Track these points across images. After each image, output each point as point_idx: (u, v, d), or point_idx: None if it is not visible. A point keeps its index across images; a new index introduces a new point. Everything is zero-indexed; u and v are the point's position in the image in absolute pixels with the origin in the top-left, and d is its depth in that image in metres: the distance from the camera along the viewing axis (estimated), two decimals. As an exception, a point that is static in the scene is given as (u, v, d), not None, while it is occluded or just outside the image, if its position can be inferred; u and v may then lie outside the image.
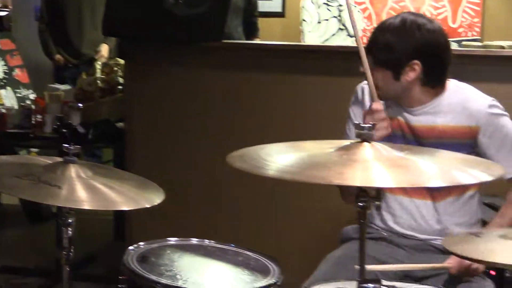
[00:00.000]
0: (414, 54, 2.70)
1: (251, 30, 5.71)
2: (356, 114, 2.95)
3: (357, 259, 2.22)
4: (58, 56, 6.30)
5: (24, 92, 5.55)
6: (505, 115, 2.77)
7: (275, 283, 2.65)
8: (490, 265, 1.98)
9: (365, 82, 2.88)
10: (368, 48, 2.77)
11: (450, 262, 2.61)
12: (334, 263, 2.81)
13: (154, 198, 2.36)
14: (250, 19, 5.70)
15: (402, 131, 2.78)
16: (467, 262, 2.41)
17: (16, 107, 5.27)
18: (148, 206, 2.32)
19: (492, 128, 2.74)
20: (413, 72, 2.71)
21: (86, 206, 2.23)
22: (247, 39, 5.68)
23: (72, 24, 6.38)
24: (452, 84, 2.82)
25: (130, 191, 2.38)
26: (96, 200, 2.27)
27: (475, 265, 2.53)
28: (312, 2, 6.54)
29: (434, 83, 2.78)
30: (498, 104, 2.77)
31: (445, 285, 2.63)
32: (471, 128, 2.74)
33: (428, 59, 2.72)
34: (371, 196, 1.92)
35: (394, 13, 5.62)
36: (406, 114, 2.81)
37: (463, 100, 2.77)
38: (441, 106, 2.79)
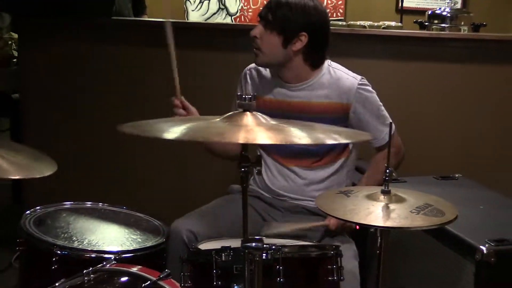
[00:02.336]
0: (304, 27, 2.76)
1: (139, 8, 5.64)
2: (240, 92, 2.99)
3: (236, 209, 2.28)
4: None
5: None
6: (372, 92, 2.86)
7: (164, 242, 2.68)
8: (354, 223, 2.02)
9: (252, 65, 2.95)
10: (263, 15, 2.81)
11: (330, 220, 2.67)
12: (217, 211, 2.87)
13: (45, 169, 2.32)
14: None
15: (281, 110, 2.81)
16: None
17: None
18: (38, 176, 2.28)
19: (361, 104, 2.82)
20: (299, 43, 2.78)
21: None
22: (135, 16, 5.58)
23: None
24: (326, 65, 2.89)
25: (23, 161, 2.34)
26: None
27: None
28: (194, -17, 6.52)
29: (314, 58, 2.85)
30: (366, 82, 2.86)
31: (321, 239, 2.70)
32: (343, 105, 2.82)
33: (315, 34, 2.79)
34: (252, 162, 1.95)
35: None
36: (285, 91, 2.88)
37: (336, 79, 2.85)
38: (317, 84, 2.86)
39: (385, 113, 2.86)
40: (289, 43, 2.78)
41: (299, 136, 1.97)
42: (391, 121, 2.30)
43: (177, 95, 2.79)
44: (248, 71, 3.01)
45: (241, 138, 1.85)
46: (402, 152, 2.88)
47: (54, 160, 2.38)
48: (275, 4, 2.79)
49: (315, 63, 2.86)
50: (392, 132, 2.27)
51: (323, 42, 2.85)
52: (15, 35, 5.00)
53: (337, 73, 2.87)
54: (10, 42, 5.13)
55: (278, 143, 1.92)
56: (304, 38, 2.78)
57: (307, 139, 1.95)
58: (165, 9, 6.03)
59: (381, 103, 2.87)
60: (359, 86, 2.83)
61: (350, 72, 2.89)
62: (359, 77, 2.87)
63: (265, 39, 2.81)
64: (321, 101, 2.84)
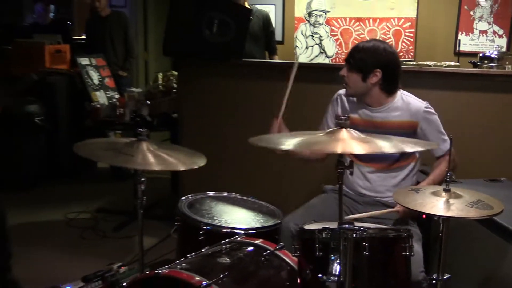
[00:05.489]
0: (378, 65, 2.74)
1: (271, 50, 5.70)
2: (331, 111, 2.99)
3: (332, 203, 2.25)
4: (121, 72, 6.31)
5: (111, 93, 5.55)
6: (434, 114, 2.81)
7: (279, 223, 2.69)
8: (422, 213, 1.99)
9: (341, 91, 2.95)
10: (347, 59, 2.81)
11: (399, 208, 2.63)
12: (320, 201, 2.88)
13: (199, 162, 2.37)
14: (270, 43, 5.67)
15: (366, 126, 2.78)
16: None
17: (106, 103, 5.28)
18: (196, 167, 2.32)
19: (426, 123, 2.78)
20: (375, 77, 2.75)
21: (154, 168, 2.25)
22: (269, 57, 5.67)
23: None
24: (399, 92, 2.85)
25: (183, 157, 2.40)
26: (160, 164, 2.29)
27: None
28: (302, 34, 6.51)
29: (389, 88, 2.81)
30: (429, 106, 2.82)
31: (394, 224, 2.66)
32: (412, 122, 2.78)
33: (386, 69, 2.76)
34: (346, 166, 1.97)
35: (356, 42, 5.58)
36: (368, 112, 2.85)
37: (407, 103, 2.82)
38: (392, 107, 2.82)
39: (443, 130, 2.80)
40: (367, 78, 2.76)
41: (385, 146, 1.97)
42: (451, 136, 2.24)
43: (278, 116, 2.85)
44: (338, 96, 2.99)
45: (340, 148, 1.88)
46: (457, 160, 2.80)
47: (203, 155, 2.43)
48: (354, 50, 2.80)
49: (390, 91, 2.81)
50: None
51: (394, 75, 2.80)
52: (175, 73, 5.10)
53: (407, 99, 2.83)
54: (171, 78, 5.25)
55: (370, 152, 1.92)
56: (378, 74, 2.75)
57: (391, 148, 1.97)
58: (279, 53, 6.10)
59: (440, 123, 2.81)
60: (424, 109, 2.79)
61: (418, 98, 2.85)
62: (424, 102, 2.82)
63: (350, 77, 2.80)
64: (396, 119, 2.79)
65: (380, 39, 2.81)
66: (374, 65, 2.74)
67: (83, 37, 6.96)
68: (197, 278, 2.00)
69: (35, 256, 4.01)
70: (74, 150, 2.32)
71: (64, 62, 5.85)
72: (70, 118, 5.91)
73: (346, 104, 2.93)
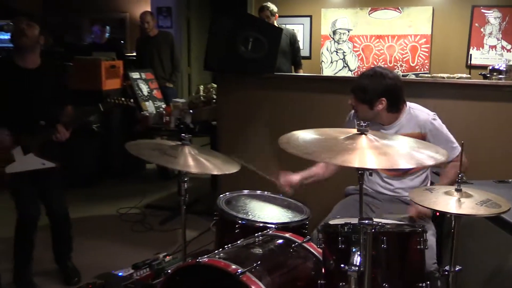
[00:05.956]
0: (382, 94, 2.67)
1: (297, 65, 5.70)
2: (348, 125, 2.91)
3: (353, 205, 2.22)
4: (168, 84, 6.34)
5: (158, 103, 5.61)
6: (441, 124, 2.75)
7: (306, 218, 2.68)
8: (436, 210, 1.96)
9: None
10: (353, 90, 2.74)
11: (412, 210, 2.58)
12: (341, 207, 2.83)
13: (232, 169, 2.38)
14: (296, 59, 5.66)
15: None
16: (422, 208, 2.36)
17: (154, 112, 5.33)
18: (227, 173, 2.35)
19: (434, 132, 2.71)
20: (381, 105, 2.69)
21: (192, 170, 2.28)
22: (295, 71, 5.66)
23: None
24: (406, 106, 2.78)
25: (219, 163, 2.41)
26: (198, 167, 2.30)
27: (426, 210, 2.51)
28: (327, 50, 6.50)
29: (395, 110, 2.74)
30: (436, 117, 2.75)
31: (410, 220, 2.61)
32: (421, 134, 2.72)
33: (390, 96, 2.69)
34: (367, 168, 1.94)
35: (377, 57, 5.56)
36: (383, 130, 2.76)
37: (414, 116, 2.75)
38: (402, 123, 2.76)
39: (452, 137, 2.73)
40: (373, 107, 2.69)
41: (401, 161, 1.91)
42: (462, 142, 2.19)
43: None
44: (354, 112, 2.90)
45: (357, 163, 1.82)
46: (467, 164, 2.74)
47: (237, 163, 2.44)
48: (357, 84, 2.72)
49: (396, 111, 2.74)
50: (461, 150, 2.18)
51: (398, 98, 2.73)
52: (215, 85, 5.12)
53: (415, 112, 2.76)
54: (211, 89, 5.27)
55: (386, 167, 1.87)
56: (383, 102, 2.68)
57: (407, 163, 1.93)
58: (307, 67, 6.10)
59: (448, 131, 2.74)
60: (431, 121, 2.72)
61: (425, 109, 2.78)
62: (431, 113, 2.76)
63: (358, 106, 2.74)
64: (406, 132, 2.71)
65: (382, 65, 2.73)
66: (378, 95, 2.66)
67: (134, 54, 7.06)
68: (233, 266, 2.02)
69: (91, 246, 4.07)
70: (126, 148, 2.37)
71: (117, 76, 5.93)
72: (122, 125, 5.98)
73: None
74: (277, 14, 5.56)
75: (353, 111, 2.91)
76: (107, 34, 8.41)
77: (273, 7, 5.51)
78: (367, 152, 1.87)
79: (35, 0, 8.58)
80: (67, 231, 3.54)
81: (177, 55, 6.55)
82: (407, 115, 2.76)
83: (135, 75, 5.74)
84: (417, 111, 2.77)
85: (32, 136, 3.09)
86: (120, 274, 3.03)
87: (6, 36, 7.44)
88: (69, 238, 3.58)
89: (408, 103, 2.79)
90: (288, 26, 5.80)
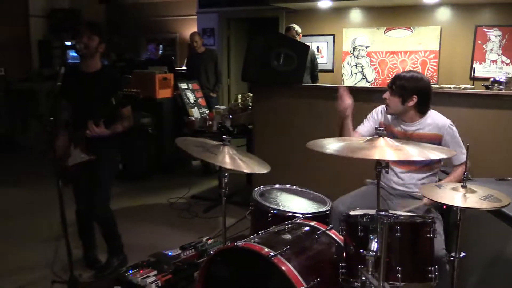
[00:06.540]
0: (415, 91, 2.65)
1: (314, 79, 5.67)
2: (374, 114, 2.90)
3: (370, 194, 2.18)
4: (211, 93, 6.37)
5: (203, 110, 5.65)
6: (456, 131, 2.69)
7: (330, 209, 2.66)
8: (444, 204, 1.93)
9: (382, 106, 2.85)
10: (390, 85, 2.72)
11: (426, 201, 2.55)
12: (360, 195, 2.79)
13: (262, 169, 2.38)
14: (313, 73, 5.63)
15: (400, 135, 2.72)
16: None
17: (199, 117, 5.37)
18: (258, 173, 2.35)
19: (450, 136, 2.67)
20: (412, 101, 2.66)
21: (227, 166, 2.28)
22: (312, 82, 5.63)
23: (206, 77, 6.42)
24: (429, 112, 2.75)
25: (251, 163, 2.40)
26: (234, 164, 2.30)
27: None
28: (348, 64, 6.43)
29: (422, 110, 2.71)
30: (452, 124, 2.71)
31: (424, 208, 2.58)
32: (438, 135, 2.68)
33: (422, 95, 2.66)
34: (383, 166, 1.93)
35: (391, 70, 5.48)
36: (404, 126, 2.75)
37: (435, 120, 2.71)
38: (423, 123, 2.72)
39: (463, 144, 2.67)
40: (405, 102, 2.67)
41: (413, 154, 1.91)
42: (468, 144, 2.15)
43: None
44: (382, 108, 2.87)
45: (377, 155, 1.85)
46: (469, 165, 2.67)
47: (268, 165, 2.44)
48: (396, 78, 2.70)
49: (422, 112, 2.71)
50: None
51: (427, 99, 2.70)
52: (251, 94, 5.13)
53: (436, 116, 2.72)
54: (248, 98, 5.29)
55: (400, 159, 1.86)
56: (415, 99, 2.65)
57: (418, 156, 1.91)
58: (330, 79, 6.05)
59: (460, 138, 2.69)
60: (449, 125, 2.67)
61: (444, 116, 2.74)
62: (449, 120, 2.70)
63: (391, 100, 2.71)
64: (425, 132, 2.69)
65: (417, 71, 2.69)
66: (412, 91, 2.64)
67: (184, 68, 7.13)
68: (266, 250, 2.02)
69: (144, 230, 4.12)
70: (176, 142, 2.40)
71: (169, 87, 6.01)
72: (172, 128, 6.03)
73: (389, 117, 2.85)
74: (301, 34, 5.61)
75: (378, 108, 2.88)
76: (160, 51, 8.54)
77: (297, 27, 5.58)
78: (385, 149, 1.89)
79: (101, 23, 8.75)
80: (104, 230, 3.32)
81: (220, 69, 6.59)
82: (428, 118, 2.72)
83: (183, 85, 5.79)
84: (438, 116, 2.73)
85: (77, 132, 3.02)
86: (169, 253, 3.06)
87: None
88: (106, 236, 3.34)
89: (431, 109, 2.76)
90: (314, 44, 5.76)
